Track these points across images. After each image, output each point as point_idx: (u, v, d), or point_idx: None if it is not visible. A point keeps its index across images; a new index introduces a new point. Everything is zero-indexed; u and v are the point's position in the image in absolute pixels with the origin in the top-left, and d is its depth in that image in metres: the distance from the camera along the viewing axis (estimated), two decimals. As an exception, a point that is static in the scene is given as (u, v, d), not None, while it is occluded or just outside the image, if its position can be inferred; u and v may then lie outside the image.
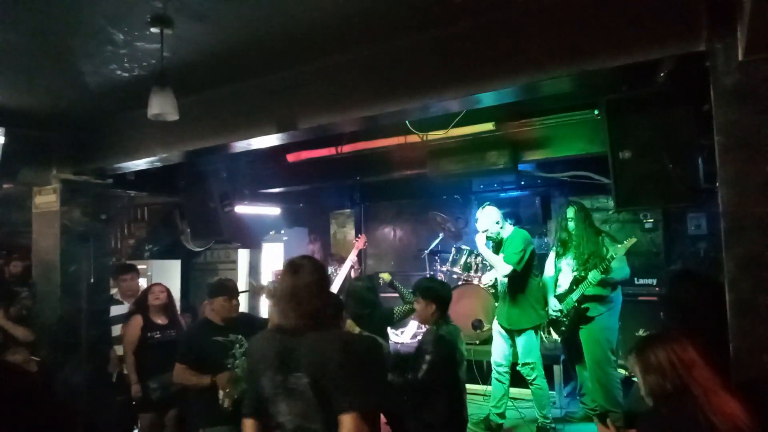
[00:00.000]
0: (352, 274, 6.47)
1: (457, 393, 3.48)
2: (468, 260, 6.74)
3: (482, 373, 5.86)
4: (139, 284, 5.58)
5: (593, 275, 4.71)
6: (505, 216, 7.17)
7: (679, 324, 4.32)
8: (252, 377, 2.52)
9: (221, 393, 3.69)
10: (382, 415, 4.06)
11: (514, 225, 5.40)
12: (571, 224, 4.95)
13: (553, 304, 5.08)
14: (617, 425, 2.49)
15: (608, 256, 4.65)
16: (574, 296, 4.86)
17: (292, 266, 2.47)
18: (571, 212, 4.96)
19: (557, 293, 5.07)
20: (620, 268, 4.76)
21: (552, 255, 5.21)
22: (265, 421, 2.44)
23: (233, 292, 4.03)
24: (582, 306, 4.86)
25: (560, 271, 5.08)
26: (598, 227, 5.20)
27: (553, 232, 5.45)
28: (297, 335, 2.36)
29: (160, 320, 4.74)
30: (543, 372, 5.08)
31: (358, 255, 7.09)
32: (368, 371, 2.87)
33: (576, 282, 4.88)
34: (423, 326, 4.66)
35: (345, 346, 2.34)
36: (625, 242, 4.64)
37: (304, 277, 2.41)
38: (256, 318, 4.58)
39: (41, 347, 4.89)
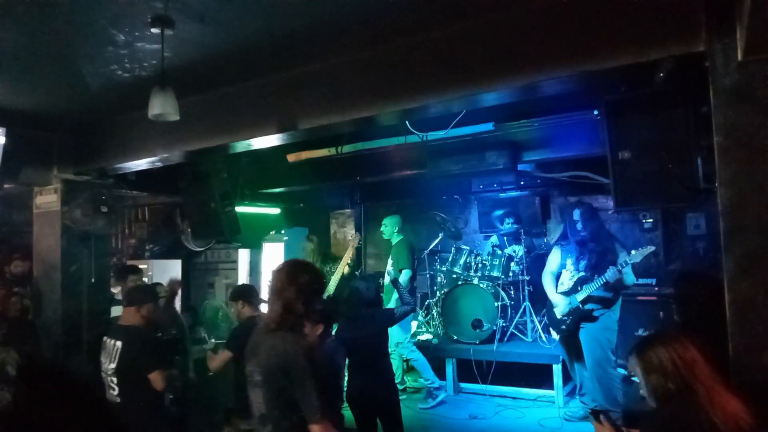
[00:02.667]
0: (345, 272, 6.48)
1: None
2: (468, 260, 6.74)
3: (482, 373, 5.88)
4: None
5: (610, 274, 4.66)
6: (505, 216, 7.22)
7: (688, 323, 4.33)
8: None
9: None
10: None
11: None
12: (579, 225, 4.96)
13: (556, 302, 5.07)
14: (617, 423, 2.48)
15: (621, 262, 4.64)
16: (579, 296, 4.86)
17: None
18: (576, 215, 4.97)
19: (560, 291, 5.07)
20: (628, 274, 4.78)
21: (556, 251, 5.21)
22: None
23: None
24: (585, 306, 4.87)
25: (564, 268, 5.08)
26: (609, 231, 5.20)
27: (561, 231, 5.45)
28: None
29: (164, 320, 4.76)
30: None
31: (357, 253, 7.10)
32: None
33: (581, 282, 4.88)
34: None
35: None
36: (641, 249, 4.63)
37: None
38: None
39: (42, 347, 4.90)
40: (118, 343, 3.64)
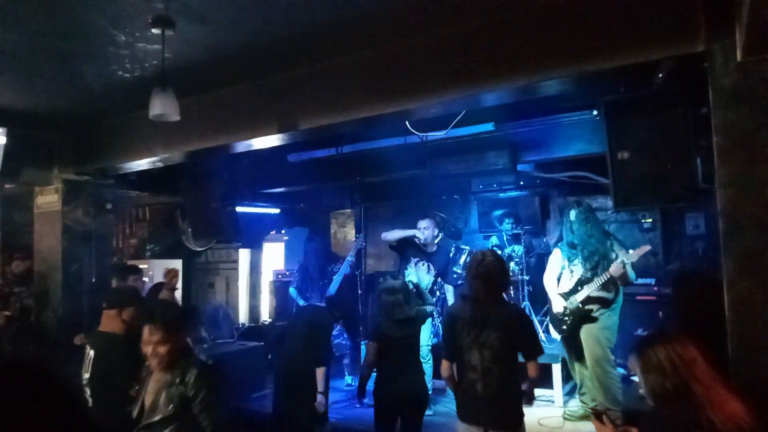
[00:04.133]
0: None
1: None
2: (468, 260, 6.74)
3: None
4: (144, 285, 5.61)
5: (614, 268, 4.63)
6: (504, 216, 7.21)
7: (687, 323, 4.33)
8: None
9: None
10: None
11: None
12: (575, 226, 4.96)
13: (557, 303, 5.08)
14: (617, 423, 2.49)
15: (618, 262, 4.63)
16: (579, 297, 4.86)
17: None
18: (572, 215, 4.97)
19: (560, 292, 5.07)
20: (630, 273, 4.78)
21: (556, 252, 5.21)
22: None
23: None
24: (586, 307, 4.87)
25: (564, 269, 5.08)
26: (606, 230, 5.20)
27: (560, 232, 5.46)
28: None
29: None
30: None
31: (357, 254, 7.10)
32: None
33: (581, 283, 4.88)
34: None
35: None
36: (638, 249, 4.60)
37: None
38: None
39: (43, 346, 4.91)
40: (92, 352, 3.37)
